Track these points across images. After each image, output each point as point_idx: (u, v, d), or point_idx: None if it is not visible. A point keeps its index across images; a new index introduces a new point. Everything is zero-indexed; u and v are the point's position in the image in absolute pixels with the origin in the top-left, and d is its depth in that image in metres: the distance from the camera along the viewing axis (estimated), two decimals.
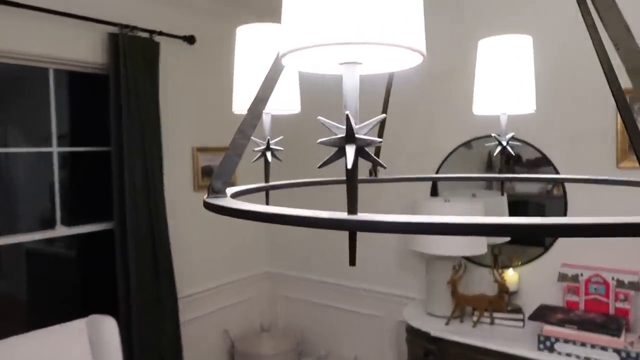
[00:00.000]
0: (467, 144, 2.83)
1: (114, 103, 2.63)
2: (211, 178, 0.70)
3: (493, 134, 1.13)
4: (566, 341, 2.07)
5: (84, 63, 2.63)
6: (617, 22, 0.48)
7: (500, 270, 2.55)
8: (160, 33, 2.82)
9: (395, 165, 2.99)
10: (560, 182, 2.52)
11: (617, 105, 0.95)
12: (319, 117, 0.44)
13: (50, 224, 2.61)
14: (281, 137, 0.99)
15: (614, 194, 2.31)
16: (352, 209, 0.44)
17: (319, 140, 0.43)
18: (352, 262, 0.45)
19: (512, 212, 2.77)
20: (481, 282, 2.71)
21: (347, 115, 0.42)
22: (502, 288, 2.48)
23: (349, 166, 0.42)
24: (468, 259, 2.76)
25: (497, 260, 2.74)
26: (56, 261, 2.88)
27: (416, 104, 2.91)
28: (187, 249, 3.10)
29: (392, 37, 0.40)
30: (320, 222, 0.44)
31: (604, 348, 2.00)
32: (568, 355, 2.06)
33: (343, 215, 0.44)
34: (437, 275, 2.60)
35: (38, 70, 2.55)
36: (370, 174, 1.18)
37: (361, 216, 0.43)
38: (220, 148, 3.23)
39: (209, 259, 3.27)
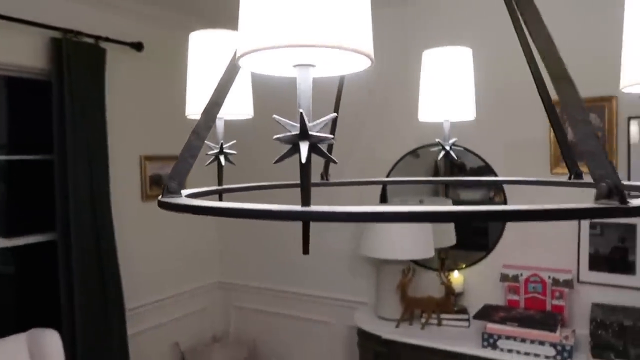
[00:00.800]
0: (414, 153, 2.93)
1: (56, 110, 2.54)
2: (163, 182, 0.72)
3: (437, 139, 1.20)
4: (508, 337, 2.18)
5: (24, 68, 2.53)
6: (541, 33, 0.54)
7: (446, 273, 2.64)
8: (107, 39, 2.76)
9: (343, 174, 3.05)
10: (499, 184, 2.66)
11: (546, 112, 1.03)
12: (274, 116, 0.47)
13: None
14: (234, 141, 1.01)
15: (550, 198, 2.47)
16: (305, 200, 0.46)
17: (275, 136, 0.46)
18: (306, 250, 0.48)
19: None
20: (429, 285, 2.80)
21: (300, 113, 0.45)
22: (449, 290, 2.57)
23: (303, 161, 0.45)
24: (416, 262, 2.85)
25: (444, 264, 2.85)
26: None
27: (363, 113, 2.99)
28: (136, 259, 3.02)
29: (343, 41, 0.43)
30: (275, 214, 0.47)
31: (541, 342, 2.12)
32: (510, 351, 2.17)
33: (297, 207, 0.46)
34: (387, 280, 2.67)
35: None
36: (322, 178, 1.22)
37: (314, 207, 0.46)
38: (169, 156, 3.18)
39: (159, 270, 3.19)
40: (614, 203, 0.46)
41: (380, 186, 3.02)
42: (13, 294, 2.79)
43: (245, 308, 3.54)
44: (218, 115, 0.95)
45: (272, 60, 0.49)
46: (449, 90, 1.17)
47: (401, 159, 2.95)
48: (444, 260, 2.89)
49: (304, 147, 0.45)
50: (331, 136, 0.46)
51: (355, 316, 2.77)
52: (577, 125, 0.51)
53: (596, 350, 2.09)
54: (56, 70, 2.53)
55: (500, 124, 2.60)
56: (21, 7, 2.44)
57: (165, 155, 3.18)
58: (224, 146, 0.97)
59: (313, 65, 0.47)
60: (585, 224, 2.41)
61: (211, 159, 0.97)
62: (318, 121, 0.46)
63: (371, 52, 0.47)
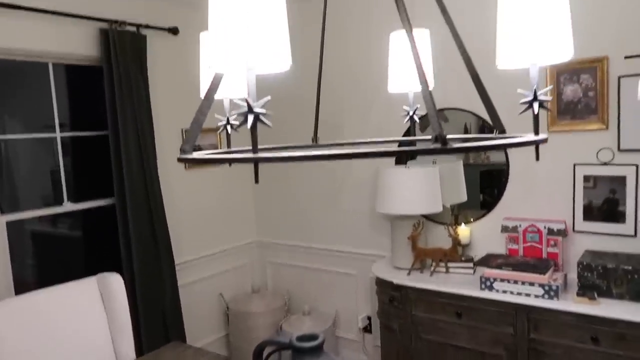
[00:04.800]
0: (442, 116, 3.10)
1: (108, 91, 2.96)
2: (181, 147, 1.05)
3: (404, 107, 1.48)
4: (502, 280, 2.45)
5: (78, 57, 2.94)
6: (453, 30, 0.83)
7: (454, 226, 2.92)
8: (147, 26, 3.13)
9: (362, 135, 3.35)
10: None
11: (474, 83, 1.28)
12: (233, 99, 0.78)
13: (58, 201, 2.96)
14: (235, 114, 1.33)
15: (544, 153, 2.68)
16: (255, 149, 0.78)
17: (234, 112, 0.77)
18: (256, 180, 0.80)
19: (485, 180, 3.05)
20: (439, 238, 3.09)
21: (246, 99, 0.76)
22: (456, 241, 2.85)
23: (249, 126, 0.77)
24: (428, 218, 3.13)
25: (457, 219, 3.12)
26: (61, 240, 3.20)
27: (376, 87, 3.24)
28: (183, 221, 3.46)
29: (272, 55, 0.74)
30: (236, 160, 0.79)
31: (532, 284, 2.38)
32: (504, 292, 2.45)
33: (249, 154, 0.78)
34: (400, 233, 2.97)
35: (38, 64, 2.87)
36: (312, 141, 1.53)
37: (260, 153, 0.78)
38: (206, 129, 3.56)
39: (203, 230, 3.64)
40: (437, 144, 0.75)
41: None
42: (82, 248, 3.29)
43: (280, 263, 3.96)
44: (225, 96, 1.28)
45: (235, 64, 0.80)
46: (412, 67, 1.44)
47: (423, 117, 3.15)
48: (457, 216, 3.16)
49: (250, 117, 0.77)
50: (264, 111, 0.77)
51: (373, 267, 3.10)
52: (426, 102, 0.80)
53: (582, 290, 2.33)
54: (105, 57, 2.93)
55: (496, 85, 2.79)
56: (72, 2, 2.83)
57: (203, 128, 3.56)
58: (230, 119, 1.31)
59: (255, 68, 0.78)
60: (580, 177, 2.61)
61: (221, 128, 1.31)
62: (258, 102, 0.78)
63: (289, 60, 0.78)
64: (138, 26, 3.08)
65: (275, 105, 3.77)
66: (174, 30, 3.34)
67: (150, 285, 3.06)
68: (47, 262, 3.06)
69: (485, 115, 2.92)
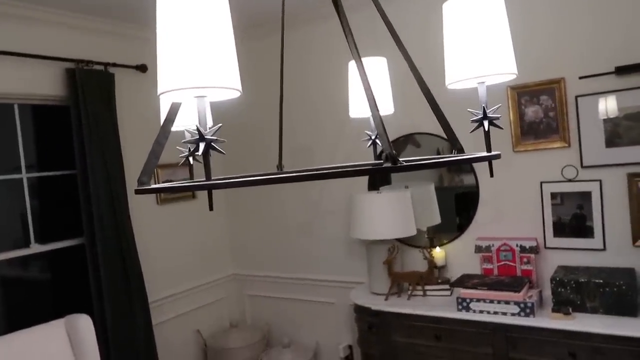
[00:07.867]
0: (414, 142, 3.16)
1: (75, 130, 2.92)
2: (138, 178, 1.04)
3: (366, 132, 1.50)
4: (478, 300, 2.46)
5: (45, 97, 2.91)
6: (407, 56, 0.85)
7: (429, 249, 2.93)
8: (114, 64, 3.13)
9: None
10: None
11: (430, 106, 1.31)
12: (185, 129, 0.78)
13: (25, 243, 2.88)
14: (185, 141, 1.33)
15: (511, 173, 2.74)
16: (208, 176, 0.78)
17: (183, 140, 0.78)
18: (211, 208, 0.80)
19: (460, 202, 3.09)
20: (415, 261, 3.09)
21: (197, 127, 0.77)
22: (431, 264, 2.86)
23: (200, 153, 0.77)
24: (403, 241, 3.14)
25: (432, 241, 3.13)
26: (31, 284, 3.11)
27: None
28: (156, 257, 3.39)
29: (221, 82, 0.74)
30: (193, 187, 0.79)
31: (507, 302, 2.39)
32: (481, 311, 2.45)
33: (203, 181, 0.78)
34: (376, 258, 2.97)
35: (3, 105, 2.83)
36: (277, 169, 1.53)
37: (213, 180, 0.78)
38: (175, 163, 3.53)
39: (177, 266, 3.56)
40: (388, 164, 0.77)
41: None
42: (52, 290, 3.19)
43: (258, 296, 3.89)
44: (183, 128, 1.28)
45: (181, 94, 0.81)
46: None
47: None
48: (433, 239, 3.17)
49: (202, 145, 0.77)
50: (215, 138, 0.77)
51: (351, 294, 3.07)
52: (376, 124, 0.81)
53: (557, 306, 2.35)
54: (72, 96, 2.91)
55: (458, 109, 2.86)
56: (37, 43, 2.82)
57: (174, 162, 3.53)
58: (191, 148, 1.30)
59: (205, 96, 0.78)
60: (547, 195, 2.66)
61: (183, 160, 1.30)
62: (209, 130, 0.78)
63: (239, 87, 0.78)
64: (106, 65, 3.08)
65: (247, 139, 3.78)
66: (142, 68, 3.35)
67: (122, 326, 2.96)
68: (16, 306, 2.95)
69: None
